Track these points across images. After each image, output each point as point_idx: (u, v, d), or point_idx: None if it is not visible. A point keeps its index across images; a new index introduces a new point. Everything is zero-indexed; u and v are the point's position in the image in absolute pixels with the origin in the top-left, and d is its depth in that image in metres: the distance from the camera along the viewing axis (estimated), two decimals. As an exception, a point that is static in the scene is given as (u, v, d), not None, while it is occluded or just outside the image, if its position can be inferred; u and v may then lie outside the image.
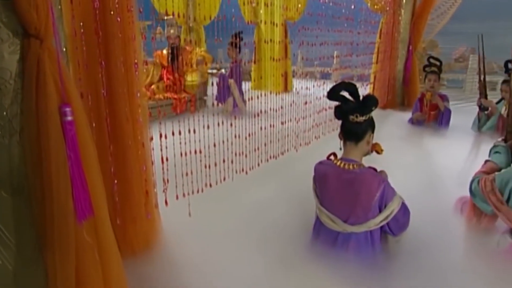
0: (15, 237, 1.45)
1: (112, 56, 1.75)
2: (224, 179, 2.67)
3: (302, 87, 4.11)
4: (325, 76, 8.09)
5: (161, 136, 2.20)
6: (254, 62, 6.75)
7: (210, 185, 2.59)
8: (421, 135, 4.24)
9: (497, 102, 4.18)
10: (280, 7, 6.15)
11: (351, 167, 1.95)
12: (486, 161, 2.36)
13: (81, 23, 1.65)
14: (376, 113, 5.66)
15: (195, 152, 2.42)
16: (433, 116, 4.50)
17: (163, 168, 2.22)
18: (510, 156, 2.32)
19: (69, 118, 1.37)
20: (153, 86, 5.14)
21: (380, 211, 1.94)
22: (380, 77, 5.53)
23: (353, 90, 1.95)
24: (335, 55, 7.71)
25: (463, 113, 4.77)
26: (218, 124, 2.72)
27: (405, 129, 4.51)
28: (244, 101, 5.24)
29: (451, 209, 2.55)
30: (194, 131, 2.36)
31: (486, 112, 4.14)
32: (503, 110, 3.92)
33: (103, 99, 1.78)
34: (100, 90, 1.76)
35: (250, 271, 1.99)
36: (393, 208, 1.94)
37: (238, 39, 4.98)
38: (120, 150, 1.87)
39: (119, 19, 1.74)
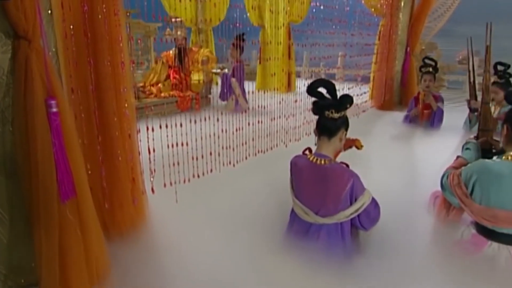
0: (9, 214, 1.67)
1: (100, 56, 1.95)
2: (211, 170, 2.84)
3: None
4: (330, 76, 8.21)
5: (147, 129, 2.38)
6: (259, 63, 6.92)
7: (199, 176, 2.76)
8: (412, 134, 4.33)
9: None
10: (284, 10, 6.32)
11: (323, 162, 2.06)
12: (457, 157, 2.47)
13: (71, 26, 1.85)
14: (372, 113, 5.83)
15: (182, 144, 2.60)
16: (426, 115, 4.60)
17: (149, 159, 2.41)
18: (480, 153, 2.42)
19: (54, 109, 1.57)
20: (159, 85, 5.37)
21: (351, 204, 2.05)
22: (377, 78, 5.64)
23: (331, 88, 2.04)
24: (339, 55, 7.85)
25: (460, 112, 4.81)
26: (204, 119, 2.88)
27: (397, 128, 4.61)
28: (246, 100, 5.41)
29: (425, 203, 2.65)
30: (181, 125, 2.55)
31: (475, 113, 4.20)
32: (494, 113, 3.97)
33: (91, 94, 1.98)
34: (89, 86, 1.96)
35: (228, 255, 2.14)
36: (364, 201, 2.05)
37: (240, 41, 5.16)
38: (107, 140, 2.06)
39: (106, 22, 1.93)
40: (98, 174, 2.09)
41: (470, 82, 4.07)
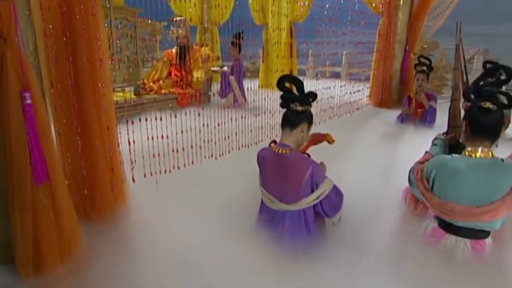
0: (-11, 196, 1.84)
1: (78, 53, 2.11)
2: (193, 162, 2.99)
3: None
4: (335, 75, 8.28)
5: (127, 122, 2.55)
6: (262, 61, 7.04)
7: (178, 167, 2.91)
8: (402, 131, 4.37)
9: None
10: (285, 9, 6.43)
11: (284, 151, 2.18)
12: (425, 152, 2.54)
13: (51, 26, 2.02)
14: (370, 110, 5.87)
15: (163, 137, 2.76)
16: (419, 113, 4.64)
17: (130, 150, 2.57)
18: (447, 149, 2.49)
19: (28, 101, 1.73)
20: (160, 82, 5.55)
21: (312, 191, 2.16)
22: (375, 76, 5.69)
23: (298, 83, 2.17)
24: (344, 54, 7.90)
25: None
26: (199, 115, 3.03)
27: (389, 126, 4.66)
28: (245, 97, 5.54)
29: (399, 198, 2.72)
30: (161, 119, 2.70)
31: None
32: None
33: (70, 88, 2.14)
34: (67, 81, 2.12)
35: (200, 239, 2.26)
36: (325, 188, 2.16)
37: (238, 39, 5.30)
38: (86, 131, 2.23)
39: (84, 22, 2.09)
40: (78, 163, 2.26)
41: (463, 82, 4.09)
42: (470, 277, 1.99)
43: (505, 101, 2.02)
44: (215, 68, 5.72)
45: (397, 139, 4.06)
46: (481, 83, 2.08)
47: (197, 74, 5.67)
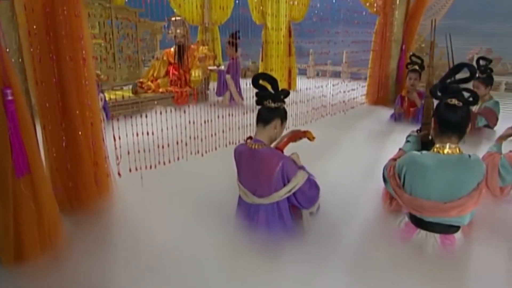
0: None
1: (62, 53, 2.21)
2: (178, 158, 3.08)
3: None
4: (335, 74, 8.32)
5: (112, 118, 2.65)
6: (262, 60, 7.12)
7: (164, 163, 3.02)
8: (393, 130, 4.40)
9: None
10: (284, 9, 6.51)
11: (257, 146, 2.26)
12: (399, 149, 2.59)
13: (35, 26, 2.12)
14: (365, 109, 5.90)
15: (148, 133, 2.85)
16: (412, 112, 4.66)
17: (115, 145, 2.67)
18: (419, 145, 2.53)
19: (10, 98, 1.83)
20: (158, 80, 5.66)
21: (284, 185, 2.23)
22: (372, 75, 5.72)
23: (272, 81, 2.25)
24: (344, 53, 7.93)
25: None
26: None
27: (382, 124, 4.70)
28: (241, 95, 5.62)
29: (378, 194, 2.77)
30: (146, 116, 2.80)
31: None
32: (474, 108, 4.01)
33: (55, 86, 2.24)
34: (52, 79, 2.22)
35: (180, 232, 2.35)
36: (297, 182, 2.22)
37: (235, 39, 5.38)
38: (70, 127, 2.33)
39: (67, 23, 2.19)
40: (63, 156, 2.37)
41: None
42: (438, 271, 2.04)
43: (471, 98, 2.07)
44: (212, 67, 5.81)
45: (386, 137, 4.10)
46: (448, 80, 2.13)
47: (195, 73, 5.76)
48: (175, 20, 5.82)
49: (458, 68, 2.14)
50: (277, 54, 6.78)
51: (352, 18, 5.79)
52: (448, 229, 2.13)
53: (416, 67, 4.59)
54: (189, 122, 3.15)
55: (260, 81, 2.26)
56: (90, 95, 2.36)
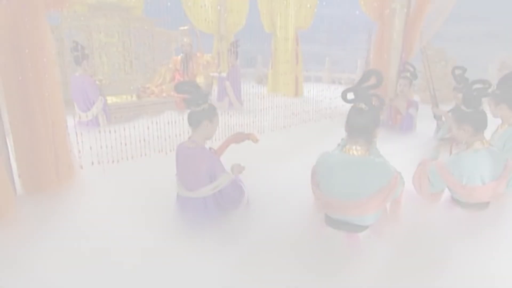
0: None
1: (24, 61, 2.58)
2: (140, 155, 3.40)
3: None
4: (351, 81, 8.31)
5: (80, 117, 3.01)
6: (271, 67, 7.33)
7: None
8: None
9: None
10: (291, 17, 6.71)
11: (191, 145, 2.48)
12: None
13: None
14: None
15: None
16: (399, 120, 4.63)
17: (77, 141, 3.03)
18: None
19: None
20: (163, 86, 6.03)
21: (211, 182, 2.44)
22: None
23: (191, 88, 2.43)
24: (358, 61, 7.93)
25: None
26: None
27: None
28: (241, 101, 5.87)
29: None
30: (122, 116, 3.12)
31: (441, 120, 4.17)
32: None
33: (18, 90, 2.62)
34: (15, 84, 2.60)
35: (128, 219, 2.60)
36: (220, 181, 2.44)
37: (235, 47, 5.67)
38: (33, 123, 2.70)
39: (29, 33, 2.56)
40: (28, 148, 2.73)
41: (430, 90, 4.10)
42: (338, 267, 2.13)
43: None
44: (213, 74, 6.12)
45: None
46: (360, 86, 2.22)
47: (199, 79, 6.09)
48: (183, 29, 6.19)
49: (368, 74, 2.23)
50: (286, 61, 6.97)
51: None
52: (353, 228, 2.22)
53: (408, 74, 4.58)
54: (152, 122, 3.45)
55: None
56: (53, 96, 2.72)
